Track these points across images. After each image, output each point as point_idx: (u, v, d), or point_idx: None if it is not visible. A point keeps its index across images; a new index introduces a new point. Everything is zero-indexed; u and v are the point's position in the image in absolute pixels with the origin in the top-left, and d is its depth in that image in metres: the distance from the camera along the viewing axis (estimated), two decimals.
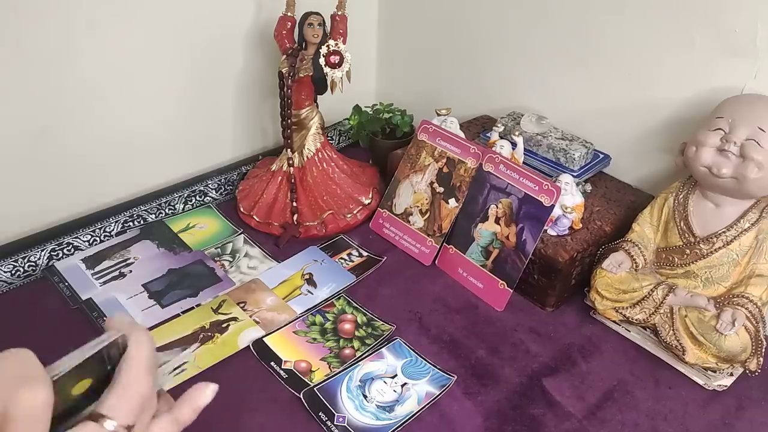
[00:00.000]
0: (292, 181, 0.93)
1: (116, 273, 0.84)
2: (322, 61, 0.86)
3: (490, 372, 0.73)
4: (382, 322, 0.79)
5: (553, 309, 0.82)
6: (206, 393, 0.36)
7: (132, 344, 0.33)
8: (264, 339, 0.75)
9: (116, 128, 0.91)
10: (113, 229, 0.90)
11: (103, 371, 0.33)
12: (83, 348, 0.33)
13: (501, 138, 0.91)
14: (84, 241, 0.87)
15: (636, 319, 0.76)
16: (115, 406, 0.31)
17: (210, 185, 1.00)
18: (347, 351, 0.74)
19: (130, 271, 0.84)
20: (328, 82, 0.88)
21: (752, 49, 0.74)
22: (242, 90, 1.04)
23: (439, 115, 0.94)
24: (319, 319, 0.79)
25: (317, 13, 0.86)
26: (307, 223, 0.93)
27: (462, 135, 0.92)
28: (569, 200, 0.80)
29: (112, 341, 0.34)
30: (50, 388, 0.29)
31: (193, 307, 0.79)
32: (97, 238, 0.89)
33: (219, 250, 0.90)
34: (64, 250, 0.86)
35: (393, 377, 0.71)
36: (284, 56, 0.88)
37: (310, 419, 0.66)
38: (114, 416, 0.31)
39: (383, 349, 0.75)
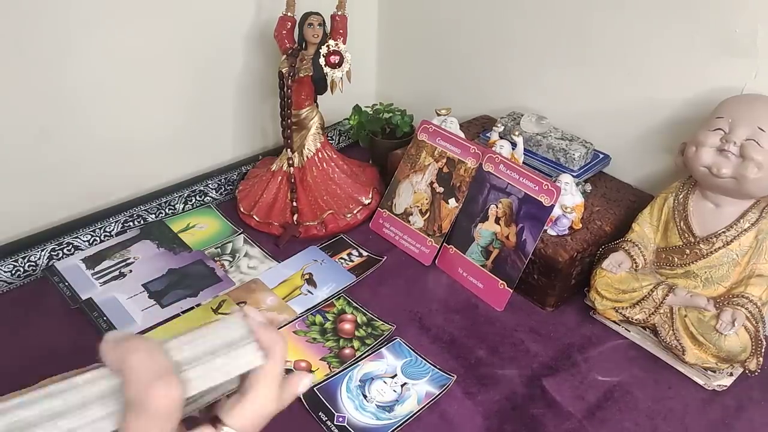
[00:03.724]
0: (292, 181, 0.93)
1: (116, 273, 0.84)
2: (322, 61, 0.86)
3: (490, 372, 0.73)
4: (382, 322, 0.79)
5: (553, 309, 0.82)
6: (304, 381, 0.36)
7: (271, 361, 0.32)
8: None
9: (116, 128, 0.91)
10: (113, 229, 0.90)
11: None
12: (222, 354, 0.32)
13: (501, 138, 0.91)
14: (84, 241, 0.87)
15: (636, 319, 0.76)
16: (241, 419, 0.31)
17: (210, 185, 1.00)
18: (347, 351, 0.74)
19: (130, 271, 0.84)
20: (328, 82, 0.88)
21: (752, 49, 0.74)
22: (242, 90, 1.04)
23: (439, 115, 0.94)
24: (319, 319, 0.79)
25: (317, 13, 0.86)
26: (307, 223, 0.93)
27: (462, 135, 0.92)
28: (569, 200, 0.80)
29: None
30: (182, 385, 0.29)
31: (193, 307, 0.79)
32: (97, 238, 0.89)
33: (219, 250, 0.90)
34: (64, 250, 0.86)
35: (393, 377, 0.71)
36: (284, 56, 0.88)
37: (310, 419, 0.66)
38: (236, 427, 0.30)
39: (383, 349, 0.75)
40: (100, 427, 0.29)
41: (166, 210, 0.96)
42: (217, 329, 0.33)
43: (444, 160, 0.90)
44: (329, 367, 0.72)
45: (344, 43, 0.87)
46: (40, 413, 0.28)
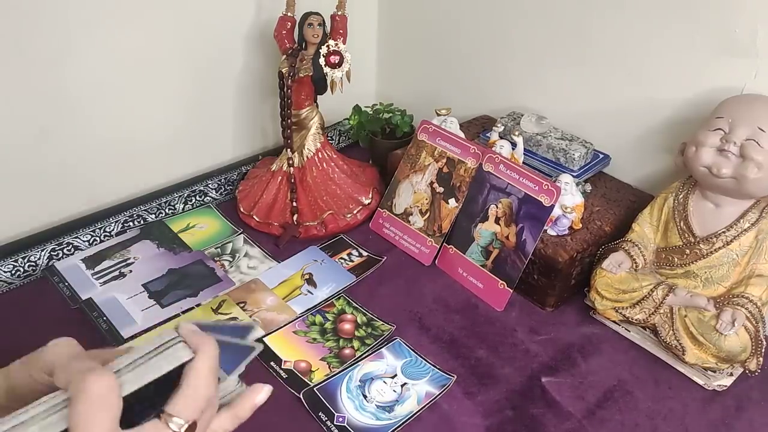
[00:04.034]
0: (292, 181, 0.93)
1: (116, 273, 0.84)
2: (322, 61, 0.86)
3: (490, 372, 0.73)
4: (381, 322, 0.79)
5: (553, 309, 0.82)
6: (263, 392, 0.41)
7: (200, 355, 0.37)
8: (264, 339, 0.75)
9: (116, 128, 0.91)
10: (113, 229, 0.90)
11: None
12: (154, 355, 0.36)
13: (501, 138, 0.91)
14: (84, 241, 0.87)
15: (636, 319, 0.76)
16: (182, 407, 0.35)
17: (210, 185, 1.00)
18: (347, 351, 0.74)
19: (130, 271, 0.84)
20: (328, 82, 0.88)
21: (752, 49, 0.74)
22: (242, 90, 1.04)
23: (439, 115, 0.94)
24: (319, 319, 0.79)
25: (317, 13, 0.86)
26: (307, 223, 0.93)
27: (462, 135, 0.92)
28: (569, 200, 0.80)
29: (185, 362, 0.37)
30: (114, 376, 0.33)
31: (193, 307, 0.79)
32: (97, 238, 0.89)
33: (219, 250, 0.90)
34: (64, 250, 0.86)
35: (393, 377, 0.71)
36: (284, 56, 0.88)
37: (310, 419, 0.66)
38: (180, 415, 0.35)
39: (383, 349, 0.75)
40: (55, 429, 0.32)
41: (166, 210, 0.96)
42: (150, 340, 0.38)
43: (444, 160, 0.90)
44: (329, 367, 0.72)
45: (344, 43, 0.87)
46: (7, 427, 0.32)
